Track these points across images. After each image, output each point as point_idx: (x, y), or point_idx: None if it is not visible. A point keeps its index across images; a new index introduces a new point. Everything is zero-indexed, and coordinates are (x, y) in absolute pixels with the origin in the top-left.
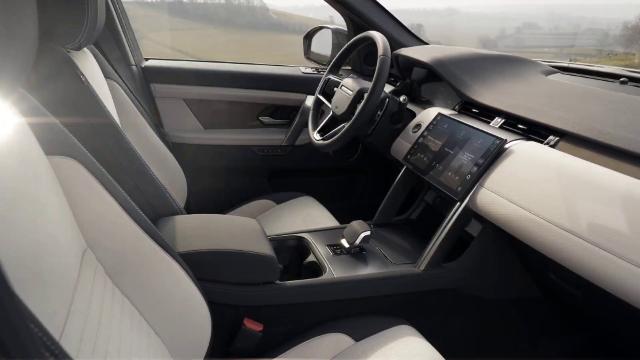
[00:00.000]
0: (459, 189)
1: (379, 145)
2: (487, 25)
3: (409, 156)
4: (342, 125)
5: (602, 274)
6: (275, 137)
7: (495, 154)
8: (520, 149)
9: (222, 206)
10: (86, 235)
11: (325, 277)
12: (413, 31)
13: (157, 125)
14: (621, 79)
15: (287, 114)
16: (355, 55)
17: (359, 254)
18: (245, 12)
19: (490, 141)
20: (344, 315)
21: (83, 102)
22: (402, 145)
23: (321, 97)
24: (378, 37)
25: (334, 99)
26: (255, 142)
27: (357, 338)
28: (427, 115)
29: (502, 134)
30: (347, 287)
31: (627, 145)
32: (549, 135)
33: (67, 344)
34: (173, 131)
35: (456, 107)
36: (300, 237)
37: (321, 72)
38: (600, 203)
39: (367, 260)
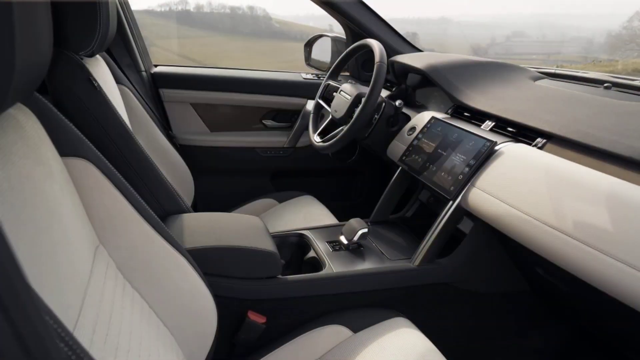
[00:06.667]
0: (452, 188)
1: (375, 147)
2: (478, 34)
3: (404, 157)
4: (341, 128)
5: (587, 269)
6: (277, 140)
7: (486, 155)
8: (510, 150)
9: (227, 205)
10: (98, 232)
11: (324, 272)
12: (408, 39)
13: (166, 128)
14: (605, 84)
15: (288, 118)
16: (353, 61)
17: (357, 250)
18: (249, 21)
19: (481, 143)
20: (342, 308)
21: (95, 106)
22: (397, 147)
23: (321, 102)
24: (375, 44)
25: (333, 103)
26: (259, 144)
27: (355, 330)
28: (421, 119)
29: (493, 137)
30: (345, 281)
31: (610, 147)
32: (537, 138)
33: (81, 336)
34: (181, 134)
35: (449, 111)
36: (301, 234)
37: (321, 78)
38: (585, 202)
39: (364, 256)
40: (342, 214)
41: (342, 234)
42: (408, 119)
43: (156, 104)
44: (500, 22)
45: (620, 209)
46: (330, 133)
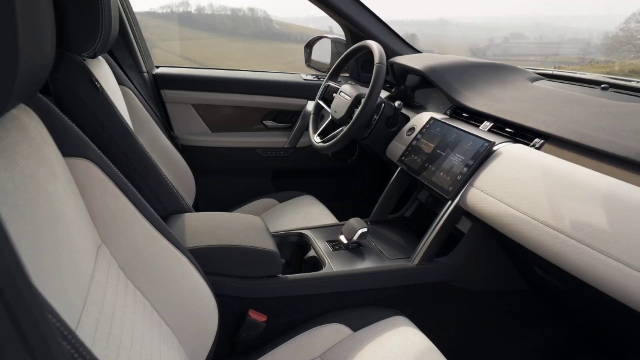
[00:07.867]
0: (450, 188)
1: (375, 148)
2: (476, 35)
3: (403, 157)
4: (341, 128)
5: (584, 268)
6: (277, 140)
7: (484, 155)
8: (508, 150)
9: (228, 204)
10: (101, 232)
11: (324, 271)
12: (407, 40)
13: (167, 129)
14: (602, 85)
15: (289, 118)
16: (353, 63)
17: (356, 249)
18: (249, 22)
19: (479, 143)
20: (342, 307)
21: (98, 107)
22: (397, 148)
23: (321, 102)
24: (374, 46)
25: (333, 104)
26: (259, 144)
27: (355, 328)
28: (420, 119)
29: (491, 137)
30: (345, 280)
31: (607, 147)
32: (535, 138)
33: (83, 334)
34: (182, 134)
35: (447, 112)
36: (301, 233)
37: (321, 79)
38: (582, 201)
39: (364, 255)
40: (341, 214)
41: (341, 233)
42: (407, 119)
43: (158, 104)
44: (498, 24)
45: (617, 208)
46: (330, 133)
